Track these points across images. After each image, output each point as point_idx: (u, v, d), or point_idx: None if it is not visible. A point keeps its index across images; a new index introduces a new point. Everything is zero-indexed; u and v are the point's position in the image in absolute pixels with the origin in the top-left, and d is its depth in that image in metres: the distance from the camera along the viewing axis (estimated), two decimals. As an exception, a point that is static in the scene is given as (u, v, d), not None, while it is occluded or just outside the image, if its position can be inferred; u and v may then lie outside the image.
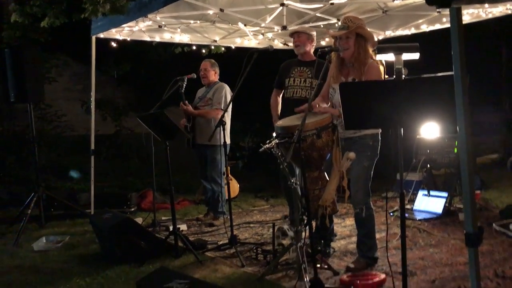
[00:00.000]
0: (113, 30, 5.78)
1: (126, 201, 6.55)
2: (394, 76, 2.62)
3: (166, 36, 6.33)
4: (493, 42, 12.29)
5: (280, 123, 3.91)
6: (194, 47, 6.91)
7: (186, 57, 7.98)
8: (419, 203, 5.84)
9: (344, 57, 3.82)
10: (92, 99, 6.21)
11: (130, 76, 11.82)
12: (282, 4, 5.29)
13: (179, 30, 6.12)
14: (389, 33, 6.41)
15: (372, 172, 3.87)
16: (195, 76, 5.45)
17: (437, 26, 5.93)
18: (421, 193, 5.92)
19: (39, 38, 7.51)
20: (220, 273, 3.94)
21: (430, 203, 5.71)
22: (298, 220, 3.69)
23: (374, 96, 2.66)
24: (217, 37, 6.64)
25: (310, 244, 3.48)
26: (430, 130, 5.96)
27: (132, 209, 6.49)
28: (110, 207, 6.11)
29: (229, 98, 5.58)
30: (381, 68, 3.77)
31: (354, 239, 4.46)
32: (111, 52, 8.46)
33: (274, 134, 3.75)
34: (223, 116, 4.47)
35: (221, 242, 4.72)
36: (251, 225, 5.65)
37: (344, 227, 5.29)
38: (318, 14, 5.59)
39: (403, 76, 2.66)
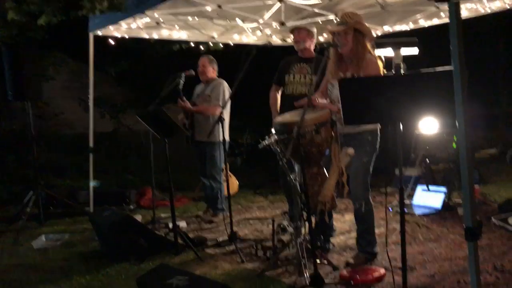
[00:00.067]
0: (111, 27, 5.75)
1: (125, 198, 6.56)
2: (393, 71, 2.61)
3: (164, 33, 6.31)
4: (490, 37, 12.31)
5: (279, 119, 3.91)
6: (192, 44, 6.90)
7: (184, 54, 7.98)
8: (418, 198, 5.85)
9: (342, 52, 3.82)
10: (91, 97, 6.20)
11: (128, 74, 11.79)
12: (280, 0, 5.28)
13: (177, 27, 6.11)
14: (387, 29, 6.39)
15: (371, 168, 3.88)
16: (194, 73, 5.44)
17: (435, 21, 5.92)
18: (420, 188, 5.94)
19: (36, 36, 7.49)
20: (220, 270, 3.95)
21: (429, 198, 5.72)
22: (297, 216, 3.70)
23: (373, 91, 2.66)
24: (215, 33, 6.62)
25: (309, 239, 3.49)
26: (428, 126, 5.96)
27: (131, 207, 6.50)
28: (109, 204, 6.13)
29: (227, 94, 5.57)
30: (380, 63, 3.77)
31: (354, 234, 4.47)
32: (108, 50, 8.43)
33: (273, 131, 3.75)
34: (221, 112, 4.46)
35: (220, 239, 4.73)
36: (251, 221, 5.66)
37: (343, 223, 5.31)
38: (316, 10, 5.58)
39: (402, 71, 2.66)
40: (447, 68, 2.44)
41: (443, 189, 5.68)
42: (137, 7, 5.01)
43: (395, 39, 2.63)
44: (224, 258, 4.25)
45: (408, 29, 6.27)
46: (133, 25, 5.76)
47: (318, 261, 3.60)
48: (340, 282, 3.49)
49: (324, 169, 3.84)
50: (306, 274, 3.41)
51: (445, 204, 5.54)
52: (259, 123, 10.89)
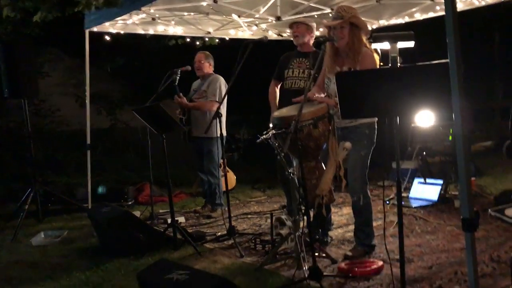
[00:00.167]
0: (107, 23, 5.74)
1: (123, 195, 6.56)
2: (390, 65, 2.63)
3: (160, 29, 6.31)
4: (485, 29, 12.33)
5: (276, 114, 3.92)
6: (188, 39, 6.89)
7: (180, 50, 7.96)
8: (414, 191, 5.89)
9: (338, 46, 3.83)
10: (87, 93, 6.19)
11: (124, 70, 11.76)
12: (276, -5, 5.29)
13: (173, 22, 6.10)
14: (383, 22, 6.41)
15: (368, 161, 3.90)
16: (190, 69, 5.44)
17: (431, 15, 5.94)
18: (416, 181, 5.97)
19: (30, 32, 7.46)
20: (220, 264, 3.97)
21: (425, 190, 5.76)
22: (296, 210, 3.72)
23: (370, 84, 2.67)
24: (211, 28, 6.62)
25: (308, 233, 3.51)
26: (425, 119, 5.99)
27: (129, 203, 6.50)
28: (107, 201, 6.13)
29: (224, 90, 5.58)
30: (376, 57, 3.79)
31: (351, 227, 4.50)
32: (104, 46, 8.42)
33: (271, 125, 3.76)
34: (219, 108, 4.47)
35: (219, 234, 4.75)
36: (249, 216, 5.68)
37: (341, 216, 5.33)
38: (312, 4, 5.59)
39: (398, 64, 2.68)
40: (443, 61, 2.45)
41: (440, 181, 5.72)
42: (133, 3, 5.01)
43: (392, 33, 2.65)
44: (223, 252, 4.27)
45: (403, 23, 6.30)
46: (129, 21, 5.76)
47: (316, 254, 3.63)
48: (338, 275, 3.51)
49: (322, 163, 3.86)
50: (305, 267, 3.43)
51: (441, 197, 5.58)
52: (256, 118, 10.92)
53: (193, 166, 6.13)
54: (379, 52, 3.65)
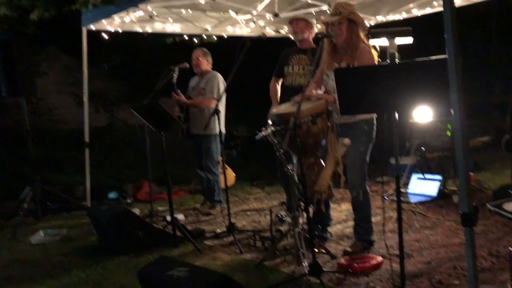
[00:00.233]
0: (104, 21, 5.72)
1: (122, 192, 6.56)
2: (388, 61, 2.63)
3: (158, 27, 6.29)
4: (482, 24, 12.34)
5: (275, 110, 3.93)
6: (185, 37, 6.88)
7: (178, 47, 7.96)
8: (413, 187, 5.91)
9: (336, 43, 3.83)
10: (85, 91, 6.18)
11: (121, 68, 11.75)
12: (274, -9, 5.28)
13: (170, 20, 6.09)
14: (381, 18, 6.41)
15: (368, 157, 3.91)
16: (188, 66, 5.42)
17: (428, 10, 5.94)
18: (415, 176, 5.99)
19: (27, 31, 7.43)
20: (219, 261, 3.98)
21: (424, 186, 5.78)
22: (295, 206, 3.72)
23: (368, 81, 2.68)
24: (209, 26, 6.60)
25: (307, 229, 3.52)
26: (423, 114, 6.00)
27: (128, 201, 6.51)
28: (106, 199, 6.15)
29: (222, 87, 5.57)
30: (374, 52, 3.80)
31: (350, 223, 4.51)
32: (101, 44, 8.40)
33: (270, 122, 3.77)
34: (217, 105, 4.47)
35: (219, 231, 4.75)
36: (248, 212, 5.69)
37: (340, 212, 5.35)
38: (309, 1, 5.58)
39: (397, 60, 2.68)
40: (441, 56, 2.46)
41: (438, 177, 5.73)
42: (131, 0, 4.99)
43: (390, 29, 2.65)
44: (223, 249, 4.28)
45: (401, 19, 6.30)
46: (126, 19, 5.74)
47: (316, 250, 3.64)
48: (338, 271, 3.53)
49: (321, 159, 3.86)
50: (305, 263, 3.44)
51: (440, 192, 5.60)
52: (254, 115, 10.92)
53: (192, 164, 6.13)
54: (377, 48, 3.66)
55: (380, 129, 3.93)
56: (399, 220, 2.84)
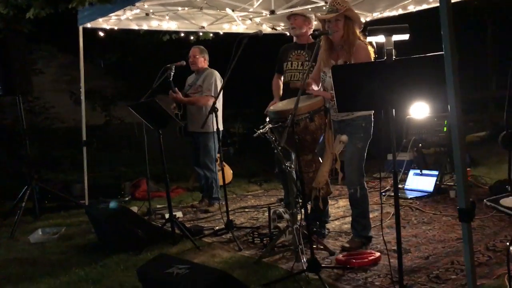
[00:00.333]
0: (100, 19, 5.71)
1: (119, 191, 6.56)
2: (385, 58, 2.65)
3: (154, 24, 6.28)
4: (478, 19, 12.36)
5: (272, 108, 3.93)
6: (182, 34, 6.87)
7: (174, 44, 7.94)
8: (410, 182, 5.93)
9: (333, 40, 3.84)
10: (82, 90, 6.17)
11: (117, 65, 11.73)
12: (270, -12, 5.28)
13: (167, 17, 6.08)
14: (377, 15, 6.42)
15: (365, 153, 3.93)
16: (184, 64, 5.43)
17: (424, 6, 5.96)
18: (412, 172, 6.01)
19: (23, 29, 7.40)
20: (218, 258, 3.99)
21: (421, 181, 5.80)
22: (293, 203, 3.74)
23: (366, 77, 2.69)
24: (205, 23, 6.60)
25: (306, 225, 3.54)
26: (419, 110, 6.02)
27: (126, 199, 6.51)
28: (104, 197, 6.14)
29: (219, 84, 5.58)
30: (370, 49, 3.81)
31: (348, 219, 4.53)
32: (97, 42, 8.38)
33: (268, 119, 3.78)
34: (214, 103, 4.47)
35: (217, 228, 4.76)
36: (246, 209, 5.70)
37: (338, 208, 5.37)
38: (305, -3, 5.59)
39: (394, 57, 2.69)
40: (437, 53, 2.47)
41: (435, 172, 5.76)
42: (128, -1, 4.99)
43: (387, 26, 2.67)
44: (222, 246, 4.29)
45: (397, 15, 6.31)
46: (123, 17, 5.74)
47: (314, 246, 3.66)
48: (336, 266, 3.54)
49: (318, 156, 3.88)
50: (303, 260, 3.46)
51: (437, 187, 5.62)
52: (251, 112, 10.94)
53: (189, 161, 6.14)
54: (374, 45, 3.67)
55: (377, 125, 3.95)
56: (397, 215, 2.85)
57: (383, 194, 5.66)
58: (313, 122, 3.63)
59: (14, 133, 8.34)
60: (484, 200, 4.84)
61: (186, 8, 5.78)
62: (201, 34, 6.90)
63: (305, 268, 3.35)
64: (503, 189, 4.98)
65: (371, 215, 4.17)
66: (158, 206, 5.91)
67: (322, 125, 3.74)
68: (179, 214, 5.48)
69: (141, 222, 4.44)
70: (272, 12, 5.89)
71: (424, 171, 5.85)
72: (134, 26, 6.23)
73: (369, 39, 3.41)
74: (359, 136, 3.86)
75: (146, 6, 5.50)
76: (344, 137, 3.75)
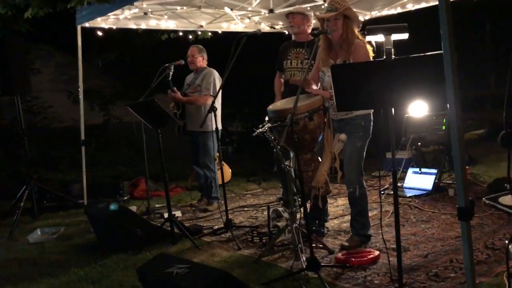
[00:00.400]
0: (99, 19, 5.70)
1: (118, 190, 6.56)
2: (384, 57, 2.65)
3: (152, 23, 6.27)
4: (476, 17, 12.37)
5: (271, 107, 3.94)
6: (180, 33, 6.86)
7: (173, 43, 7.92)
8: (409, 181, 5.94)
9: (332, 39, 3.85)
10: (80, 89, 6.16)
11: (115, 64, 11.71)
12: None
13: (165, 16, 6.07)
14: (375, 13, 6.43)
15: (364, 152, 3.93)
16: (183, 63, 5.43)
17: (423, 5, 5.96)
18: (410, 170, 6.02)
19: (20, 28, 7.39)
20: (218, 257, 3.99)
21: (420, 180, 5.81)
22: (292, 202, 3.74)
23: (365, 77, 2.69)
24: (204, 22, 6.59)
25: (305, 224, 3.54)
26: (418, 108, 6.03)
27: (125, 198, 6.50)
28: (102, 197, 6.14)
29: (218, 83, 5.58)
30: (369, 48, 3.82)
31: (347, 218, 4.54)
32: (95, 41, 8.36)
33: (267, 118, 3.78)
34: (213, 102, 4.47)
35: (216, 227, 4.76)
36: (245, 209, 5.70)
37: (337, 207, 5.38)
38: (304, -4, 5.59)
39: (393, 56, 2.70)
40: (437, 52, 2.47)
41: (434, 170, 5.77)
42: (126, -2, 4.98)
43: (386, 25, 2.67)
44: (221, 245, 4.30)
45: (396, 13, 6.32)
46: (121, 16, 5.72)
47: (313, 245, 3.66)
48: (336, 265, 3.55)
49: (318, 155, 3.88)
50: (303, 258, 3.46)
51: (435, 186, 5.63)
52: (249, 111, 10.94)
53: (188, 160, 6.14)
54: (373, 44, 3.67)
55: (376, 124, 3.95)
56: (396, 214, 2.86)
57: (382, 192, 5.66)
58: (312, 121, 3.64)
59: (13, 133, 8.33)
60: (483, 198, 4.85)
61: (185, 7, 5.78)
62: (199, 33, 6.90)
63: (304, 267, 3.36)
64: (502, 187, 5.00)
65: (370, 214, 4.18)
66: (157, 205, 5.91)
67: (321, 124, 3.75)
68: (178, 213, 5.48)
69: (140, 222, 4.45)
70: (271, 11, 5.89)
71: (423, 169, 5.85)
72: (132, 26, 6.22)
73: (368, 38, 3.42)
74: (358, 135, 3.86)
75: (144, 6, 5.49)
76: (343, 136, 3.76)
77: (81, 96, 6.20)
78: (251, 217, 5.28)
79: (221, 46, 6.13)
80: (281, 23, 6.74)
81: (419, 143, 6.10)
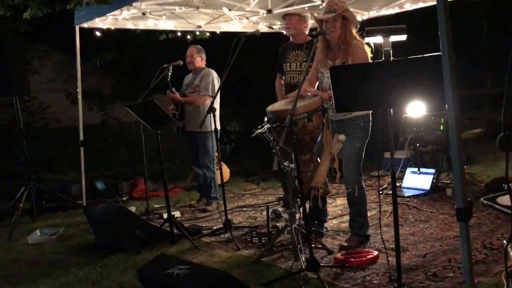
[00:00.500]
0: (97, 19, 5.70)
1: (117, 190, 6.56)
2: (383, 58, 2.67)
3: (150, 24, 6.27)
4: (473, 17, 12.41)
5: (270, 108, 3.95)
6: (178, 34, 6.87)
7: (171, 43, 7.93)
8: (407, 180, 5.96)
9: (330, 40, 3.86)
10: (79, 90, 6.16)
11: (113, 64, 11.70)
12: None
13: (164, 17, 6.08)
14: (373, 13, 6.44)
15: (363, 153, 3.95)
16: (182, 63, 5.44)
17: (420, 5, 5.97)
18: (409, 170, 6.04)
19: (19, 29, 7.39)
20: (217, 258, 4.00)
21: (418, 180, 5.83)
22: (291, 202, 3.76)
23: (364, 78, 2.71)
24: (202, 22, 6.60)
25: (304, 225, 3.56)
26: (416, 108, 6.05)
27: (124, 198, 6.51)
28: (101, 197, 6.13)
29: (216, 84, 5.58)
30: (367, 49, 3.83)
31: (346, 218, 4.56)
32: (93, 41, 8.37)
33: (266, 119, 3.79)
34: (212, 102, 4.48)
35: (215, 227, 4.77)
36: (244, 209, 5.71)
37: (336, 207, 5.39)
38: (302, -4, 5.60)
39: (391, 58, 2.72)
40: (435, 54, 2.49)
41: (432, 170, 5.79)
42: (124, -1, 4.99)
43: (384, 27, 2.69)
44: (220, 246, 4.31)
45: (393, 13, 6.33)
46: (120, 16, 5.73)
47: (312, 245, 3.67)
48: (335, 265, 3.56)
49: (317, 155, 3.90)
50: (302, 259, 3.48)
51: (433, 185, 5.65)
52: (247, 110, 10.95)
53: (186, 160, 6.14)
54: (372, 45, 3.69)
55: (374, 124, 3.97)
56: (395, 214, 2.87)
57: (381, 192, 5.68)
58: (311, 122, 3.65)
59: (11, 134, 8.32)
60: (481, 198, 4.87)
61: (183, 8, 5.79)
62: (198, 33, 6.90)
63: (304, 267, 3.37)
64: (500, 187, 5.02)
65: (368, 214, 4.19)
66: (156, 205, 5.91)
67: (320, 124, 3.77)
68: (177, 213, 5.49)
69: (139, 222, 4.45)
70: (269, 11, 5.90)
71: (421, 169, 5.88)
72: (130, 26, 6.22)
73: (367, 39, 3.44)
74: (357, 135, 3.88)
75: (143, 6, 5.50)
76: (342, 137, 3.77)
77: (79, 96, 6.20)
78: (250, 218, 5.29)
79: (220, 46, 6.15)
80: (279, 23, 6.75)
81: (418, 143, 6.12)
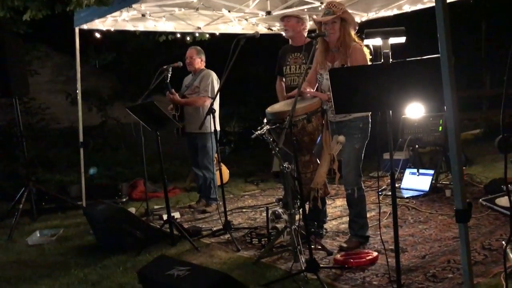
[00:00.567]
0: (97, 20, 5.71)
1: (117, 191, 6.56)
2: (382, 60, 2.68)
3: (150, 25, 6.29)
4: (472, 17, 12.42)
5: (269, 109, 3.96)
6: (178, 35, 6.88)
7: (170, 45, 7.94)
8: (406, 182, 5.97)
9: (329, 41, 3.88)
10: (79, 91, 6.16)
11: (113, 65, 11.69)
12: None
13: (163, 18, 6.09)
14: (372, 15, 6.46)
15: (362, 154, 3.96)
16: (181, 65, 5.44)
17: (419, 6, 5.99)
18: (408, 171, 6.06)
19: (18, 30, 7.39)
20: (217, 259, 4.01)
21: (417, 181, 5.85)
22: (291, 203, 3.77)
23: (363, 80, 2.72)
24: (201, 24, 6.61)
25: (304, 226, 3.57)
26: (415, 110, 6.06)
27: (124, 200, 6.51)
28: (101, 198, 6.14)
29: (216, 85, 5.60)
30: (366, 50, 3.85)
31: (345, 219, 4.57)
32: (92, 42, 8.36)
33: (265, 121, 3.80)
34: (212, 103, 4.49)
35: (215, 228, 4.78)
36: (244, 210, 5.72)
37: (335, 208, 5.40)
38: (301, -2, 5.61)
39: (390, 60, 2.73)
40: (434, 56, 2.50)
41: (431, 171, 5.80)
42: (124, 0, 4.99)
43: (383, 29, 2.71)
44: (220, 247, 4.31)
45: (392, 15, 6.35)
46: (119, 18, 5.74)
47: (312, 246, 3.68)
48: (334, 266, 3.57)
49: (316, 156, 3.91)
50: (302, 260, 3.49)
51: (432, 186, 5.67)
52: (246, 111, 10.95)
53: (186, 161, 6.14)
54: (371, 47, 3.71)
55: (373, 125, 3.98)
56: (394, 215, 2.89)
57: (380, 193, 5.69)
58: (311, 123, 3.66)
59: (10, 135, 8.32)
60: (480, 199, 4.89)
61: (183, 9, 5.80)
62: (197, 34, 6.91)
63: (303, 268, 3.38)
64: (498, 188, 5.03)
65: (368, 215, 4.21)
66: (156, 206, 5.92)
67: (320, 126, 3.78)
68: (176, 214, 5.49)
69: (139, 223, 4.46)
70: (268, 13, 5.92)
71: (420, 170, 5.89)
72: (130, 27, 6.23)
73: (366, 42, 3.45)
74: (357, 137, 3.89)
75: (143, 8, 5.51)
76: (341, 138, 3.78)
77: (79, 97, 6.20)
78: (249, 219, 5.30)
79: (219, 47, 6.16)
80: (278, 24, 6.76)
81: (416, 144, 6.13)
